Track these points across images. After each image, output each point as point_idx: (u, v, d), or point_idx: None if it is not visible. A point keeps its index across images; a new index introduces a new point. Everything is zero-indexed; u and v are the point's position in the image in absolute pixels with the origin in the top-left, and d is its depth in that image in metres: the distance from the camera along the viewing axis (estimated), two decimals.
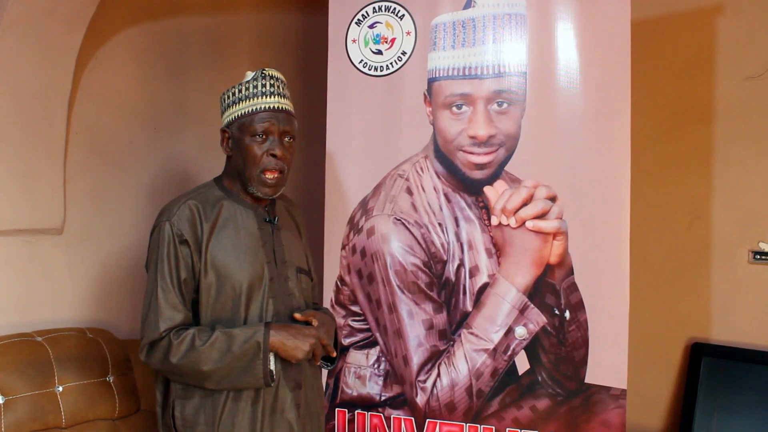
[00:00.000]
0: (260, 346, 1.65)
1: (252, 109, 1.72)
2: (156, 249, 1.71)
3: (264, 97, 1.73)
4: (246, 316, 1.73)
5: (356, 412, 2.31)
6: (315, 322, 1.76)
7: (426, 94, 2.25)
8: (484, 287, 2.18)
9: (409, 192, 2.26)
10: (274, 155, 1.72)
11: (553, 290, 2.13)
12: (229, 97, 1.78)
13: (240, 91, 1.75)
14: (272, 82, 1.75)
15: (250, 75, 1.78)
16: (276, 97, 1.74)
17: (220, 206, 1.76)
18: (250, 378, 1.67)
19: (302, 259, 1.90)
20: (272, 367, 1.69)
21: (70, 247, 2.33)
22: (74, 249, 2.35)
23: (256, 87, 1.74)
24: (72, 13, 2.14)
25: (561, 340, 2.13)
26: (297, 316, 1.78)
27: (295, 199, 2.06)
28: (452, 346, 2.20)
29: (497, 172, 2.19)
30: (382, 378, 2.28)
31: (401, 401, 2.26)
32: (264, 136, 1.72)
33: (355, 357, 2.32)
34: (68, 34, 2.17)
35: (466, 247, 2.20)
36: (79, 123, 2.34)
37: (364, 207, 2.31)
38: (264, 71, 1.76)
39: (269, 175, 1.73)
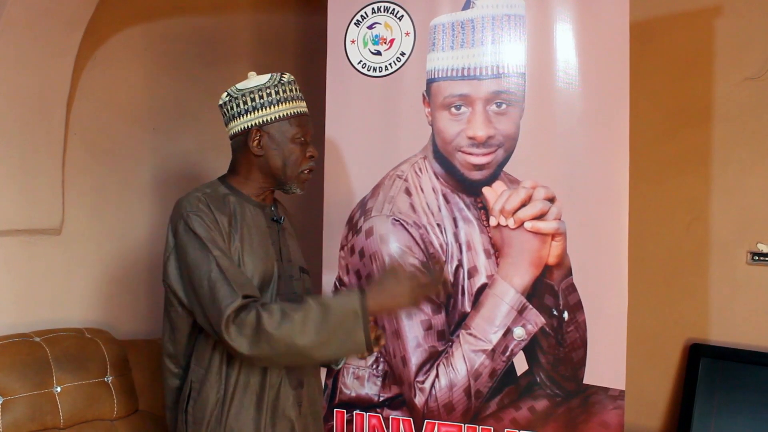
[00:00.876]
0: (357, 314, 1.57)
1: (294, 112, 1.77)
2: (192, 239, 1.65)
3: (299, 101, 1.80)
4: None
5: (355, 412, 2.31)
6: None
7: (425, 94, 2.25)
8: (483, 288, 2.18)
9: (408, 193, 2.26)
10: (312, 156, 1.80)
11: (551, 291, 2.13)
12: (262, 97, 1.76)
13: (276, 92, 1.77)
14: (297, 87, 1.81)
15: (264, 77, 1.78)
16: (304, 101, 1.81)
17: (228, 203, 1.76)
18: (351, 347, 1.61)
19: (302, 259, 1.91)
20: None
21: (68, 248, 2.33)
22: (73, 249, 2.35)
23: (292, 90, 1.79)
24: (71, 14, 2.14)
25: (559, 341, 2.13)
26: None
27: (294, 200, 2.07)
28: (451, 346, 2.20)
29: (496, 173, 2.19)
30: (380, 378, 2.28)
31: (400, 402, 2.26)
32: (303, 139, 1.78)
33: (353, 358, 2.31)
34: (67, 35, 2.17)
35: (464, 248, 2.20)
36: (78, 123, 2.35)
37: (363, 208, 2.31)
38: (289, 75, 1.81)
39: (307, 175, 1.80)
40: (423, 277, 1.65)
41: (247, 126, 1.77)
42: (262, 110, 1.77)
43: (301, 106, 1.79)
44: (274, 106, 1.76)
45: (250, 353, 1.56)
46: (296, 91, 1.80)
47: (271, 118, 1.76)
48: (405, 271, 1.64)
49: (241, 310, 1.56)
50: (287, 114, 1.76)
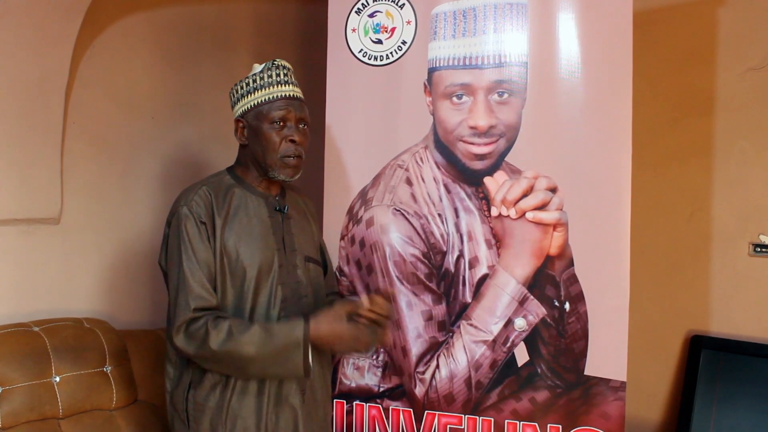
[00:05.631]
0: (299, 344, 1.66)
1: (269, 98, 1.79)
2: (177, 234, 1.74)
3: (279, 86, 1.80)
4: (255, 302, 1.75)
5: (355, 403, 2.31)
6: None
7: (426, 83, 2.24)
8: (484, 278, 2.17)
9: (409, 182, 2.25)
10: (293, 141, 1.79)
11: (553, 282, 2.12)
12: (242, 88, 1.83)
13: (254, 81, 1.81)
14: (285, 71, 1.82)
15: (259, 67, 1.83)
16: (290, 85, 1.82)
17: (231, 194, 1.81)
18: (289, 370, 1.68)
19: (311, 249, 1.94)
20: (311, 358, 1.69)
21: (67, 237, 2.32)
22: (71, 239, 2.33)
23: (270, 77, 1.80)
24: (69, 2, 2.12)
25: (561, 332, 2.12)
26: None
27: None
28: (451, 337, 2.19)
29: (497, 163, 2.18)
30: (380, 369, 2.28)
31: (400, 393, 2.26)
32: (282, 123, 1.79)
33: None
34: (65, 23, 2.16)
35: (465, 238, 2.19)
36: (76, 112, 2.33)
37: (364, 197, 2.30)
38: (275, 62, 1.83)
39: (290, 161, 1.80)
40: (363, 333, 1.70)
41: (236, 117, 1.84)
42: (242, 100, 1.83)
43: (283, 90, 1.80)
44: (252, 95, 1.81)
45: (196, 358, 1.69)
46: (279, 76, 1.81)
47: (249, 107, 1.81)
48: (347, 321, 1.70)
49: (191, 322, 1.67)
50: (263, 100, 1.79)
